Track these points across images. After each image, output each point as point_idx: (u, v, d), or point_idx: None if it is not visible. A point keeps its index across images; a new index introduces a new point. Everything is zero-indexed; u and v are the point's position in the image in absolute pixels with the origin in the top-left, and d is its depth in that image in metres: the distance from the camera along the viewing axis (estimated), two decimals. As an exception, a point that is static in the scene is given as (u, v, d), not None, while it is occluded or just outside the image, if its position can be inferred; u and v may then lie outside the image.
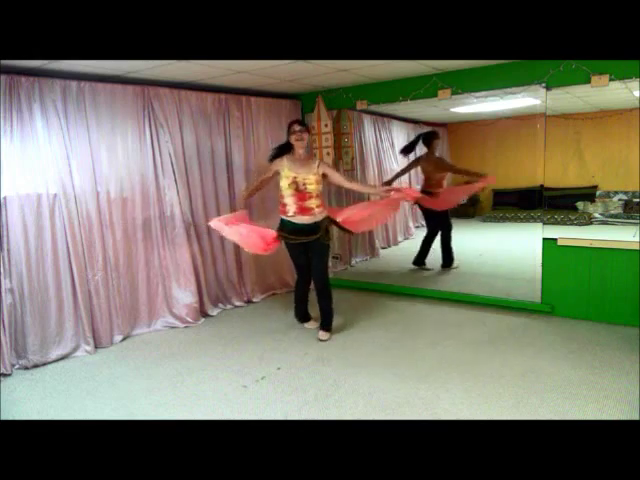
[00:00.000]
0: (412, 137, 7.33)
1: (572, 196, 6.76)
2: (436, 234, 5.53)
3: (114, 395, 2.99)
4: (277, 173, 3.61)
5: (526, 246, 4.45)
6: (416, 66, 3.93)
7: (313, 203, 3.55)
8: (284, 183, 3.54)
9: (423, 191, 5.63)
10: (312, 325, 3.97)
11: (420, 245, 5.63)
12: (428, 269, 5.54)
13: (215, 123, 4.49)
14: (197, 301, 4.27)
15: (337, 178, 3.69)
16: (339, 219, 3.73)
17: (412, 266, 5.68)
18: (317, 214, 3.58)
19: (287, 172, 3.54)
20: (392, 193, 3.64)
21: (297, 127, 3.56)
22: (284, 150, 3.64)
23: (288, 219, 3.58)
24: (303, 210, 3.54)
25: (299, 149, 3.57)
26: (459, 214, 8.21)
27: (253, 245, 3.58)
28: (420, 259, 5.60)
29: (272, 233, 3.62)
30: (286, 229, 3.60)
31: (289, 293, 4.84)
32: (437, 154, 5.62)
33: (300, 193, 3.52)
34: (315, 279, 3.73)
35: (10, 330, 3.34)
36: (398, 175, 5.88)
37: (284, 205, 3.59)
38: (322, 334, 3.74)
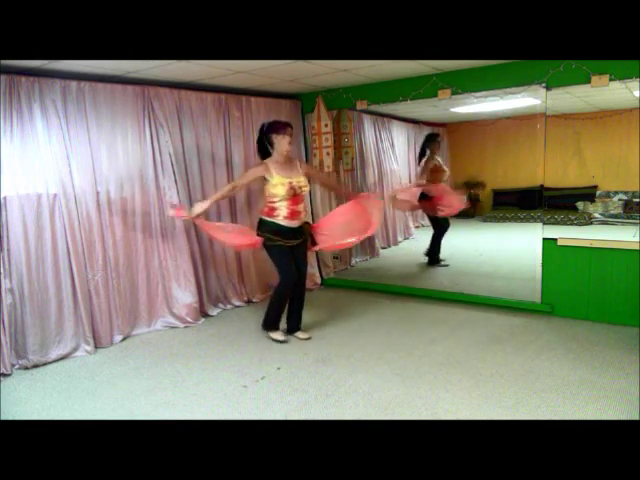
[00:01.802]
0: (412, 137, 7.36)
1: (572, 196, 6.76)
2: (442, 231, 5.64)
3: (114, 395, 2.99)
4: (262, 179, 3.48)
5: (526, 246, 4.45)
6: (416, 66, 3.93)
7: (302, 207, 3.56)
8: (279, 190, 3.40)
9: (423, 194, 5.69)
10: (281, 336, 3.76)
11: (430, 244, 5.71)
12: (446, 265, 5.64)
13: (215, 123, 4.49)
14: (197, 301, 4.27)
15: (321, 178, 3.71)
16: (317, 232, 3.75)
17: (412, 266, 5.71)
18: (303, 217, 3.58)
19: (280, 178, 3.41)
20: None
21: (290, 130, 3.50)
22: (266, 153, 3.56)
23: (277, 222, 3.47)
24: (294, 214, 3.49)
25: (289, 152, 3.53)
26: (459, 214, 8.22)
27: (239, 242, 3.74)
28: (435, 257, 5.68)
29: (252, 234, 3.61)
30: (276, 232, 3.47)
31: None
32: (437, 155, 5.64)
33: (296, 197, 3.48)
34: (302, 281, 3.75)
35: (10, 330, 3.34)
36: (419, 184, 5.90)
37: (273, 209, 3.47)
38: (304, 333, 3.78)
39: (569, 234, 3.95)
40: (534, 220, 6.84)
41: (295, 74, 4.08)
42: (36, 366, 3.43)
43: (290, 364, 3.31)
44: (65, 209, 3.54)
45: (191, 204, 4.30)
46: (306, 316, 4.24)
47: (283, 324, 3.83)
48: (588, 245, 3.81)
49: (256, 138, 3.67)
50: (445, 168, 5.60)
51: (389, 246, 6.74)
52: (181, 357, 3.54)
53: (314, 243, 3.73)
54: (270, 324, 3.76)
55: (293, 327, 3.82)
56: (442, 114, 6.63)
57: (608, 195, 6.75)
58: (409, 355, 3.36)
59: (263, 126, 3.58)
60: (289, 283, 3.59)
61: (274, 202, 3.46)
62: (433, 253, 5.68)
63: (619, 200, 6.62)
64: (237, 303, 4.69)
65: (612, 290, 3.73)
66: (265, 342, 3.73)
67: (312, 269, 5.26)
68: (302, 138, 5.18)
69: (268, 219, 3.50)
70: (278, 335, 3.73)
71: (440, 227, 5.67)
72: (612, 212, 6.53)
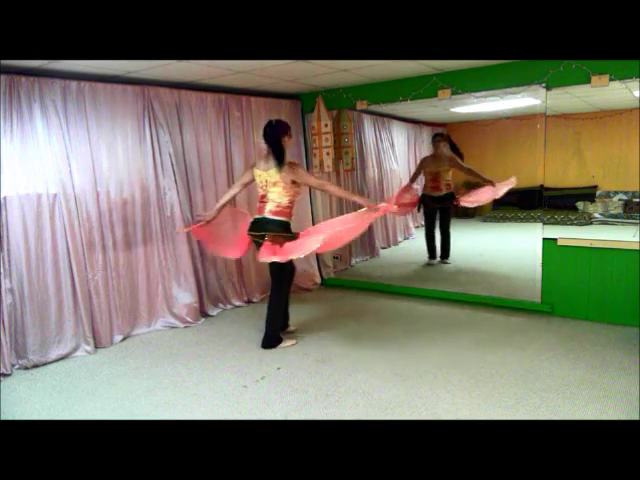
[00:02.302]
0: (412, 137, 7.36)
1: (572, 196, 6.77)
2: (434, 229, 5.71)
3: (114, 395, 2.99)
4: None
5: (526, 246, 4.45)
6: (416, 66, 3.93)
7: None
8: (303, 190, 3.59)
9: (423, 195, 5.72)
10: (290, 341, 3.70)
11: (426, 243, 5.78)
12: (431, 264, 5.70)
13: (215, 123, 4.49)
14: (197, 301, 4.27)
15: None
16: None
17: (412, 266, 5.73)
18: None
19: None
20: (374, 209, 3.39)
21: None
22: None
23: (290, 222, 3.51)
24: None
25: None
26: (459, 214, 8.23)
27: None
28: (434, 254, 5.76)
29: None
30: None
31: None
32: (444, 153, 5.65)
33: None
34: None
35: (10, 330, 3.34)
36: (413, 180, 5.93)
37: (292, 209, 3.48)
38: (292, 326, 3.88)
39: (569, 234, 3.95)
40: (534, 220, 6.83)
41: (295, 74, 4.08)
42: (36, 366, 3.42)
43: (290, 364, 3.31)
44: (65, 209, 3.54)
45: (191, 204, 4.33)
46: (306, 316, 4.25)
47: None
48: (588, 245, 3.81)
49: (277, 135, 3.39)
50: (430, 169, 5.64)
51: (389, 246, 6.73)
52: (181, 357, 3.54)
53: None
54: (276, 340, 3.63)
55: (284, 325, 3.84)
56: (442, 114, 6.63)
57: (608, 195, 6.75)
58: (409, 355, 3.36)
59: (281, 125, 3.44)
60: (289, 285, 3.68)
61: (294, 202, 3.49)
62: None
63: (619, 200, 6.62)
64: (237, 303, 4.69)
65: (612, 290, 3.72)
66: (265, 342, 3.73)
67: (312, 269, 5.27)
68: (302, 138, 5.18)
69: (288, 220, 3.46)
70: (288, 342, 3.65)
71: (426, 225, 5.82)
72: (612, 212, 6.53)
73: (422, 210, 5.89)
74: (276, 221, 3.40)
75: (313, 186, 3.51)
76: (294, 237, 3.43)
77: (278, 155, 3.35)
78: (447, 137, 5.84)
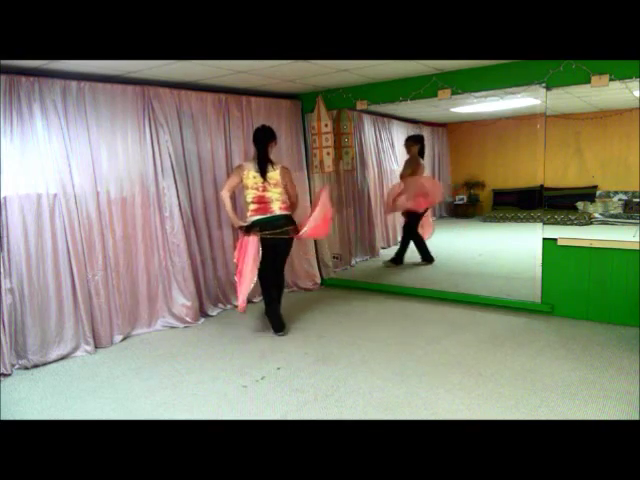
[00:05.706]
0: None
1: (572, 196, 6.78)
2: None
3: (114, 395, 2.99)
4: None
5: (526, 246, 4.46)
6: (416, 66, 3.93)
7: None
8: None
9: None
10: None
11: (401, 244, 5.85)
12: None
13: (215, 123, 4.49)
14: (197, 301, 4.27)
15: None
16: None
17: (412, 266, 5.73)
18: None
19: None
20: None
21: None
22: None
23: None
24: None
25: None
26: (459, 214, 8.25)
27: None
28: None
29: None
30: None
31: (290, 293, 4.85)
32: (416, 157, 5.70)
33: None
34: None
35: (10, 330, 3.34)
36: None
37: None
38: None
39: (569, 234, 3.95)
40: (534, 220, 6.84)
41: (295, 74, 4.08)
42: (36, 366, 3.42)
43: (290, 364, 3.31)
44: (65, 209, 3.54)
45: (191, 204, 4.33)
46: (306, 316, 4.25)
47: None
48: (588, 245, 3.81)
49: (271, 137, 3.75)
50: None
51: (389, 246, 6.74)
52: (181, 357, 3.54)
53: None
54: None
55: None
56: (442, 114, 6.64)
57: (608, 195, 6.76)
58: (409, 355, 3.36)
59: (271, 131, 3.75)
60: None
61: None
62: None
63: (619, 200, 6.63)
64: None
65: (612, 290, 3.72)
66: (265, 342, 3.74)
67: (312, 269, 5.27)
68: (302, 138, 5.18)
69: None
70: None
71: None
72: (612, 212, 6.54)
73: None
74: (289, 216, 3.77)
75: (291, 194, 3.80)
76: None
77: (263, 159, 3.65)
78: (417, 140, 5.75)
